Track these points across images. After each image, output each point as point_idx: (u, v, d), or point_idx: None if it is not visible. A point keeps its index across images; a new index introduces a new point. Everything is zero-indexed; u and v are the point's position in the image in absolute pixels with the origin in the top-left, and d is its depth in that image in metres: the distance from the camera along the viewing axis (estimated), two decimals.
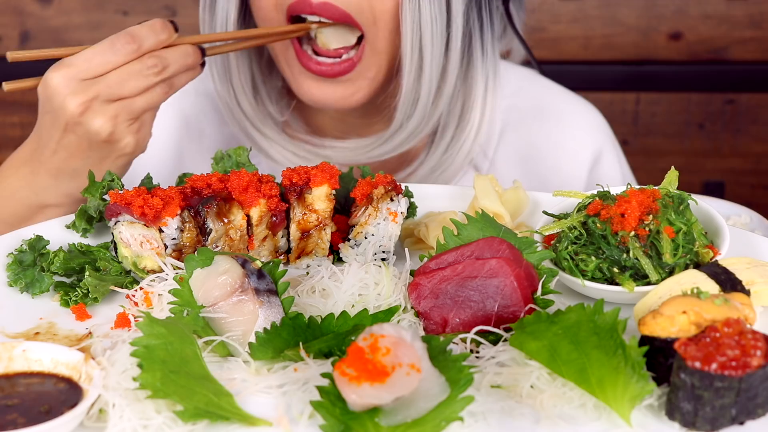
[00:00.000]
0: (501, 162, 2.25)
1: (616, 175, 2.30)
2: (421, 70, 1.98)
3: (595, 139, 2.29)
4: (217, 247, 1.57)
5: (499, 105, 2.20)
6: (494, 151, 2.24)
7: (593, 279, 1.52)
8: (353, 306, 1.50)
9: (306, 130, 2.19)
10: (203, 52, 1.80)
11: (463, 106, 2.09)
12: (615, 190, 1.61)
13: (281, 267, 1.60)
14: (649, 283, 1.50)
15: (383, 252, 1.63)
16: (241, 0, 2.03)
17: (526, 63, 2.37)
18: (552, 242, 1.59)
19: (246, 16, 2.07)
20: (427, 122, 2.06)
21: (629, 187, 1.56)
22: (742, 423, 1.27)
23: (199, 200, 1.57)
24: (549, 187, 2.25)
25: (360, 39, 1.99)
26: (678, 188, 1.59)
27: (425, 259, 1.51)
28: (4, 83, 1.72)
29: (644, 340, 1.31)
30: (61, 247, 1.62)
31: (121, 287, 1.56)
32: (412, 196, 1.77)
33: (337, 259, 1.66)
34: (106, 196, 1.69)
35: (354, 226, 1.64)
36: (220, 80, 2.11)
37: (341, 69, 1.99)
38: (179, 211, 1.54)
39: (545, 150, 2.28)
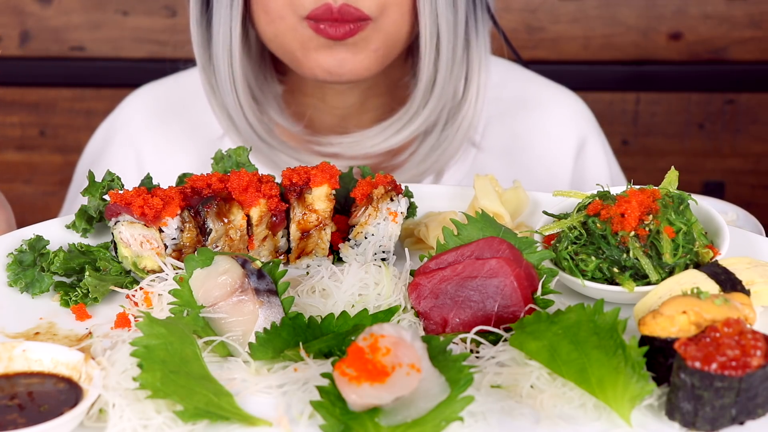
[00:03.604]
0: (487, 153, 2.27)
1: (601, 162, 2.33)
2: (438, 54, 2.04)
3: (579, 127, 2.33)
4: (217, 247, 1.57)
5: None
6: (480, 140, 2.26)
7: (593, 279, 1.52)
8: (353, 306, 1.50)
9: (306, 131, 2.20)
10: None
11: (462, 84, 2.14)
12: (615, 190, 1.61)
13: (281, 267, 1.60)
14: (649, 283, 1.50)
15: (383, 252, 1.63)
16: (243, 8, 2.04)
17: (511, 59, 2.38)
18: (552, 242, 1.59)
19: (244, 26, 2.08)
20: (441, 105, 2.10)
21: (629, 186, 1.56)
22: (742, 423, 1.27)
23: (199, 200, 1.56)
24: (536, 177, 2.27)
25: None
26: (678, 188, 1.59)
27: (425, 259, 1.51)
28: None
29: (644, 340, 1.31)
30: (61, 247, 1.62)
31: (121, 287, 1.56)
32: (412, 196, 1.77)
33: (337, 259, 1.66)
34: (106, 196, 1.69)
35: (354, 226, 1.64)
36: (222, 96, 2.11)
37: (346, 30, 2.00)
38: (179, 211, 1.54)
39: (530, 140, 2.31)
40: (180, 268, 1.52)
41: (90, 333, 1.48)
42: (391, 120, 2.12)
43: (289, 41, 2.03)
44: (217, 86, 2.10)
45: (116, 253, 1.59)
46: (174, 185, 1.68)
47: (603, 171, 2.32)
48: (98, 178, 1.72)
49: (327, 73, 2.04)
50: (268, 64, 2.19)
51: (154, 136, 2.32)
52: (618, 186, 1.62)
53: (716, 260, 1.50)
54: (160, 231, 1.54)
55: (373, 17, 1.99)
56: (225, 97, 2.10)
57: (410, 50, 2.15)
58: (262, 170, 2.15)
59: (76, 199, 2.35)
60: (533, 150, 2.30)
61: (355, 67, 2.04)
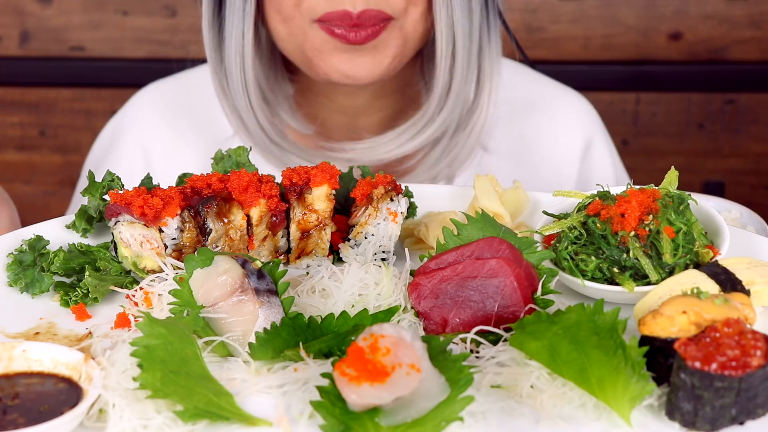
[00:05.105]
0: (494, 154, 2.27)
1: (607, 163, 2.33)
2: (454, 60, 2.04)
3: (585, 128, 2.33)
4: (217, 247, 1.57)
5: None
6: (488, 142, 2.26)
7: (593, 279, 1.52)
8: (353, 306, 1.50)
9: (319, 137, 2.20)
10: None
11: (474, 89, 2.13)
12: (615, 190, 1.61)
13: (281, 267, 1.60)
14: (649, 283, 1.50)
15: (383, 252, 1.63)
16: (256, 10, 2.03)
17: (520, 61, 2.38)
18: (552, 242, 1.59)
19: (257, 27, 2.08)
20: (456, 111, 2.10)
21: (629, 186, 1.56)
22: (742, 423, 1.27)
23: (199, 200, 1.56)
24: (542, 178, 2.27)
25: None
26: (678, 188, 1.59)
27: (425, 259, 1.51)
28: None
29: (644, 340, 1.31)
30: (61, 247, 1.62)
31: (121, 287, 1.56)
32: (412, 196, 1.77)
33: (337, 259, 1.66)
34: (106, 196, 1.69)
35: (354, 226, 1.64)
36: (234, 98, 2.11)
37: (368, 34, 2.00)
38: (179, 211, 1.54)
39: (537, 141, 2.31)
40: (180, 268, 1.52)
41: (90, 333, 1.48)
42: (405, 126, 2.12)
43: (301, 42, 2.03)
44: (229, 88, 2.10)
45: (116, 253, 1.59)
46: (174, 185, 1.68)
47: (608, 172, 2.33)
48: (103, 178, 1.72)
49: (343, 77, 2.04)
50: (279, 65, 2.19)
51: (161, 133, 2.32)
52: (622, 186, 1.62)
53: (716, 260, 1.50)
54: (160, 231, 1.54)
55: (396, 17, 1.99)
56: (236, 100, 2.10)
57: (421, 51, 2.15)
58: (273, 172, 2.15)
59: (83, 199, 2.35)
60: (540, 151, 2.30)
61: (374, 70, 2.04)
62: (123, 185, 1.70)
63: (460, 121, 2.13)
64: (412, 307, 1.48)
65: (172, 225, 1.54)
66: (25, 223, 1.82)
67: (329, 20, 1.97)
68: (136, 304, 1.51)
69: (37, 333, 1.49)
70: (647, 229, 1.51)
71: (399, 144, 2.12)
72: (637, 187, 1.56)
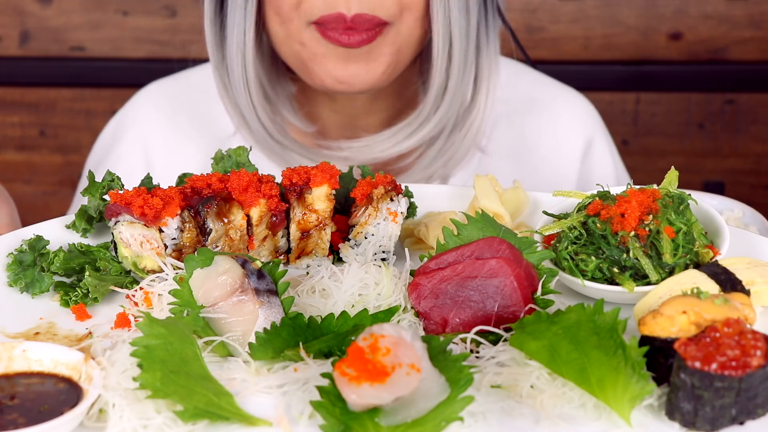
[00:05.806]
0: (494, 154, 2.27)
1: (607, 163, 2.33)
2: (450, 60, 2.04)
3: (586, 128, 2.33)
4: (217, 247, 1.57)
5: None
6: (487, 142, 2.26)
7: (593, 279, 1.52)
8: (353, 306, 1.50)
9: (317, 135, 2.20)
10: None
11: (472, 89, 2.13)
12: (615, 190, 1.61)
13: (281, 267, 1.60)
14: (649, 283, 1.50)
15: (383, 252, 1.63)
16: (257, 10, 2.04)
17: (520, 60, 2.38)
18: (552, 242, 1.59)
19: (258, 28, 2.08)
20: (452, 111, 2.10)
21: (629, 186, 1.56)
22: (742, 423, 1.27)
23: (199, 200, 1.56)
24: (542, 178, 2.27)
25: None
26: (678, 188, 1.59)
27: (425, 259, 1.51)
28: None
29: (644, 340, 1.31)
30: (61, 247, 1.62)
31: (121, 287, 1.56)
32: (412, 196, 1.77)
33: (337, 259, 1.66)
34: (106, 196, 1.69)
35: (354, 226, 1.64)
36: (235, 96, 2.11)
37: (362, 38, 2.00)
38: (179, 211, 1.54)
39: (537, 141, 2.31)
40: (180, 268, 1.52)
41: (90, 333, 1.48)
42: (401, 125, 2.12)
43: (298, 45, 2.03)
44: (230, 86, 2.10)
45: (116, 253, 1.59)
46: (174, 185, 1.68)
47: (609, 171, 2.32)
48: (103, 178, 1.72)
49: (337, 83, 2.04)
50: (280, 65, 2.19)
51: (163, 132, 2.32)
52: (622, 186, 1.63)
53: (716, 260, 1.50)
54: (160, 231, 1.54)
55: (391, 22, 1.99)
56: (238, 97, 2.10)
57: (420, 53, 2.15)
58: (274, 169, 2.15)
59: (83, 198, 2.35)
60: (541, 151, 2.30)
61: (367, 77, 2.04)
62: (123, 185, 1.70)
63: (457, 120, 2.13)
64: (412, 307, 1.48)
65: (172, 225, 1.54)
66: (25, 223, 1.81)
67: (324, 23, 1.98)
68: (136, 304, 1.51)
69: (37, 333, 1.49)
70: (647, 229, 1.51)
71: (395, 143, 2.12)
72: (637, 187, 1.56)
